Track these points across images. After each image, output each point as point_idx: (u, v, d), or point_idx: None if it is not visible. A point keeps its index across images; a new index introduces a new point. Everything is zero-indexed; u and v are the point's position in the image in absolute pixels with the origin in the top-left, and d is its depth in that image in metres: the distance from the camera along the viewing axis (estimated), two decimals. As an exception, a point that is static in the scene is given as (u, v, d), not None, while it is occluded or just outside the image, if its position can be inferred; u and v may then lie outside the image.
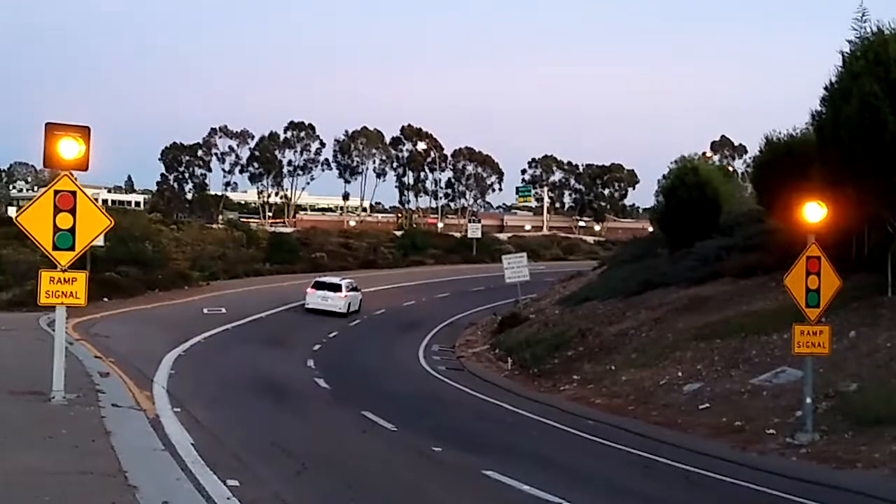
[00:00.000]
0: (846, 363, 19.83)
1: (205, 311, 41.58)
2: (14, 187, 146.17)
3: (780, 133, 32.35)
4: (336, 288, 44.96)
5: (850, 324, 21.74)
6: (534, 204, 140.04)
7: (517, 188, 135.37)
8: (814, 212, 17.79)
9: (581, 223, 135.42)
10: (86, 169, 14.19)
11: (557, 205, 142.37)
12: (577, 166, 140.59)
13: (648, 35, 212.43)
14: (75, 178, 14.26)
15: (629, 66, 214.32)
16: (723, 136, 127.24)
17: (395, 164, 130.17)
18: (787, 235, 24.55)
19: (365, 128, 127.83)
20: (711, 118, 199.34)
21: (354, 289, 47.17)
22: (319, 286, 45.17)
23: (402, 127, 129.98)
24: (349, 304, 45.05)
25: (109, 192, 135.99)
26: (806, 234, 18.10)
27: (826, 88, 24.04)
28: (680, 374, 23.67)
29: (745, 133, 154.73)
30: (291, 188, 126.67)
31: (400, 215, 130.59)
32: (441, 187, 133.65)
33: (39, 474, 9.32)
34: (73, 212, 14.03)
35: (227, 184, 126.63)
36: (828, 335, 17.98)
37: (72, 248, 14.12)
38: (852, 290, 22.26)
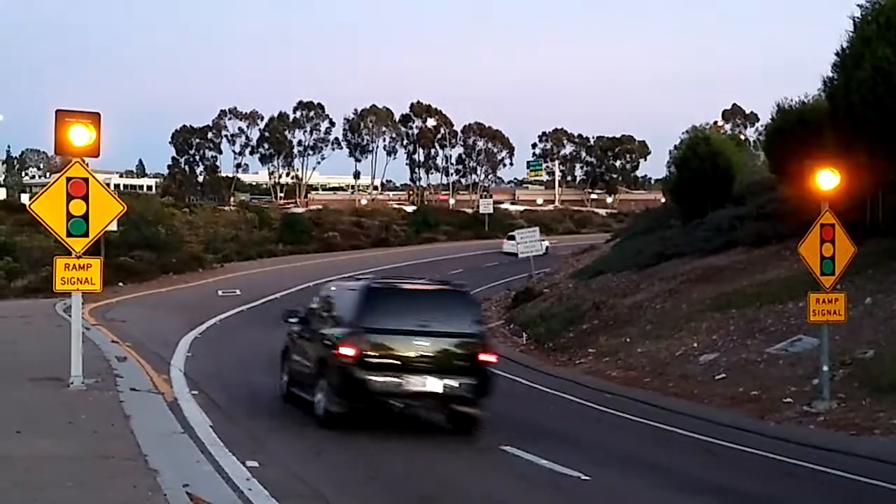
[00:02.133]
0: (862, 330, 19.77)
1: (219, 293, 41.73)
2: (26, 174, 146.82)
3: (791, 100, 32.19)
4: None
5: (865, 290, 21.65)
6: (545, 178, 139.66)
7: (528, 162, 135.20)
8: (827, 179, 17.67)
9: (593, 196, 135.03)
10: (97, 155, 14.23)
11: (569, 178, 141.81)
12: (587, 139, 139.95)
13: (657, 5, 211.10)
14: (87, 165, 14.30)
15: (639, 36, 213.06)
16: (734, 105, 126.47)
17: (405, 142, 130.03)
18: (800, 203, 24.44)
19: (374, 106, 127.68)
20: (722, 87, 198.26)
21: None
22: (510, 238, 59.06)
23: (412, 104, 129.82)
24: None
25: (121, 177, 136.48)
26: (819, 202, 18.00)
27: (837, 54, 23.86)
28: (696, 344, 23.64)
29: (756, 101, 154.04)
30: (302, 168, 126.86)
31: (411, 192, 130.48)
32: (452, 163, 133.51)
33: (60, 459, 9.39)
34: (85, 198, 14.07)
35: (238, 165, 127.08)
36: (843, 302, 17.92)
37: (86, 235, 14.16)
38: (867, 257, 22.16)
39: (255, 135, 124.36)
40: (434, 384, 13.82)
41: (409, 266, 57.78)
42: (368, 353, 13.67)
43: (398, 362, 13.79)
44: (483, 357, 14.31)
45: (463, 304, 14.97)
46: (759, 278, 27.21)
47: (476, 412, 14.48)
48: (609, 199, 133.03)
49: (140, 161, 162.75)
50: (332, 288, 16.19)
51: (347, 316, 14.32)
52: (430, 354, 13.97)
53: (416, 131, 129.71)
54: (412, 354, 13.89)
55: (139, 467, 9.21)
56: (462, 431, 14.67)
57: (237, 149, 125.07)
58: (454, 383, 13.85)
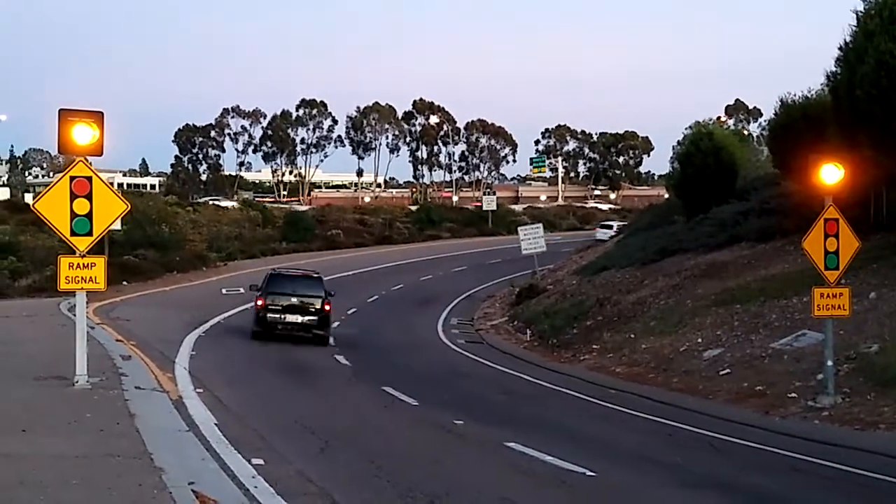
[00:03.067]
0: (867, 324, 19.76)
1: (223, 291, 41.74)
2: (30, 174, 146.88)
3: (795, 95, 32.14)
4: (609, 227, 66.13)
5: (869, 285, 21.64)
6: (548, 174, 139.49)
7: (531, 159, 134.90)
8: (831, 173, 17.67)
9: (596, 192, 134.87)
10: (100, 154, 14.23)
11: (572, 174, 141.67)
12: (590, 135, 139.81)
13: (660, 0, 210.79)
14: (90, 164, 14.30)
15: (642, 32, 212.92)
16: (737, 100, 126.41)
17: (408, 139, 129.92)
18: (804, 198, 24.42)
19: (377, 103, 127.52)
20: (725, 82, 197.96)
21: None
22: (602, 227, 68.00)
23: (414, 101, 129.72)
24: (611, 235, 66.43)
25: (124, 175, 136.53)
26: (823, 196, 17.98)
27: (840, 48, 23.82)
28: (700, 340, 23.64)
29: (759, 96, 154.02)
30: (305, 166, 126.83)
31: (414, 190, 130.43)
32: (455, 160, 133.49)
33: (66, 458, 9.40)
34: (89, 197, 14.06)
35: (241, 164, 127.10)
36: (848, 297, 17.91)
37: (89, 234, 14.16)
38: (871, 251, 22.17)
39: (258, 133, 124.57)
40: (299, 318, 27.55)
41: (414, 263, 57.83)
42: (268, 304, 27.46)
43: (281, 308, 27.48)
44: (325, 307, 27.70)
45: (316, 282, 28.68)
46: (763, 273, 27.19)
47: (323, 333, 27.88)
48: (612, 196, 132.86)
49: (143, 160, 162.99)
50: (267, 272, 30.07)
51: (263, 285, 28.09)
52: (297, 304, 27.67)
53: (418, 128, 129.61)
54: (288, 304, 27.56)
55: (144, 465, 9.22)
56: (319, 344, 27.37)
57: (240, 147, 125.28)
58: (308, 318, 27.62)
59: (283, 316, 27.29)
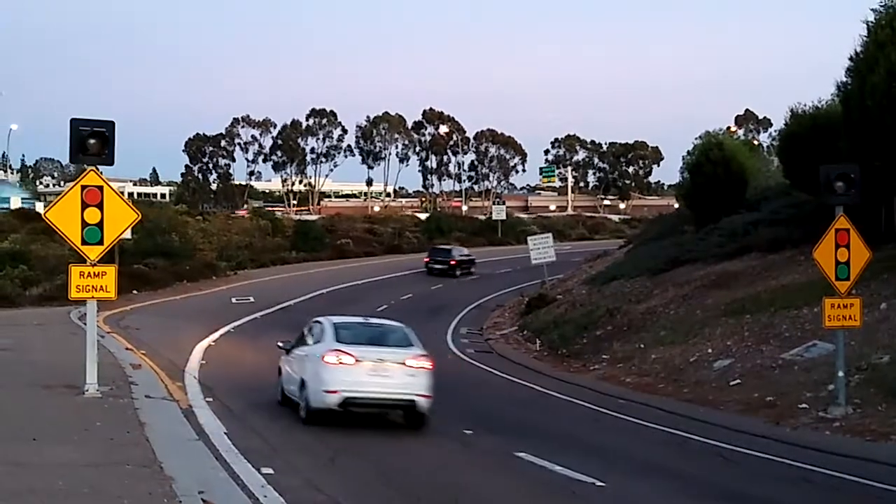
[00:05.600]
0: (878, 335, 19.68)
1: (233, 300, 41.76)
2: (41, 183, 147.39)
3: (805, 105, 32.06)
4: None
5: (881, 295, 21.55)
6: (558, 184, 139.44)
7: (541, 168, 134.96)
8: (842, 184, 17.59)
9: (606, 202, 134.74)
10: (111, 163, 14.30)
11: (582, 184, 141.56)
12: (600, 145, 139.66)
13: (669, 10, 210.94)
14: (101, 173, 14.36)
15: (651, 42, 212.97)
16: (747, 110, 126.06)
17: (417, 149, 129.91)
18: (814, 208, 24.36)
19: (387, 113, 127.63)
20: (735, 92, 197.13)
21: None
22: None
23: (424, 111, 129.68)
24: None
25: (135, 185, 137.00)
26: (834, 207, 17.92)
27: (851, 59, 23.80)
28: (710, 350, 23.56)
29: (769, 106, 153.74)
30: (315, 175, 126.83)
31: (424, 199, 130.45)
32: (464, 170, 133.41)
33: (76, 466, 9.41)
34: (100, 206, 14.13)
35: (251, 173, 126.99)
36: (859, 307, 17.83)
37: (100, 243, 14.23)
38: (882, 262, 22.06)
39: (267, 142, 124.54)
40: (440, 266, 56.51)
41: (424, 273, 57.78)
42: (430, 261, 56.77)
43: (434, 260, 56.99)
44: (450, 262, 56.66)
45: (448, 251, 58.33)
46: (773, 284, 27.10)
47: (452, 273, 55.84)
48: (622, 205, 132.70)
49: (154, 169, 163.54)
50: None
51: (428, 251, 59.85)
52: (440, 259, 57.27)
53: (428, 138, 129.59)
54: (436, 259, 57.16)
55: (155, 474, 9.23)
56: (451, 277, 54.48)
57: (250, 156, 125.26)
58: (445, 267, 56.39)
59: (434, 265, 55.44)
